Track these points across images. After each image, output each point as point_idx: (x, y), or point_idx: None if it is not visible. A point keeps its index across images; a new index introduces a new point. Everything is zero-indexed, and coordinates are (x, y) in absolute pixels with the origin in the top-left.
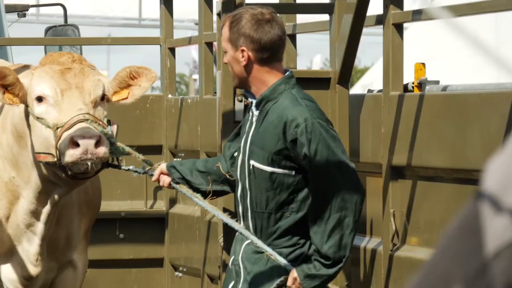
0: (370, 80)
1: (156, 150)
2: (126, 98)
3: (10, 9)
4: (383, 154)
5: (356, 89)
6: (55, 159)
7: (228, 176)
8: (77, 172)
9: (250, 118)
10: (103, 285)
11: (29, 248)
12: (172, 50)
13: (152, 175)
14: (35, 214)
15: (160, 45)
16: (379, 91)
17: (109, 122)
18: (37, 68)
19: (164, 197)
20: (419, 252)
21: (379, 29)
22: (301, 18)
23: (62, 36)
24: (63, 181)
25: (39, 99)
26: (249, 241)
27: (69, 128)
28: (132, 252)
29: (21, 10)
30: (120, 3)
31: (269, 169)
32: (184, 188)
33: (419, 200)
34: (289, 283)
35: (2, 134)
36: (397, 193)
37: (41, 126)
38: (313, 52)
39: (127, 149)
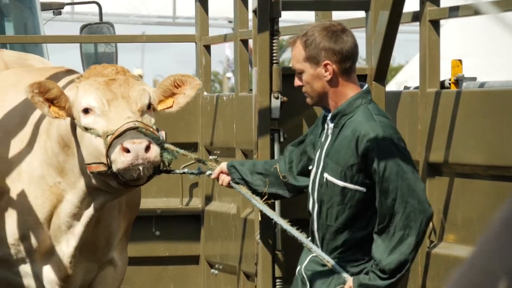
0: (404, 78)
1: (191, 147)
2: (171, 106)
3: (45, 7)
4: (420, 151)
5: (391, 86)
6: (107, 167)
7: (282, 178)
8: (129, 179)
9: (326, 131)
10: (140, 282)
11: (66, 250)
12: (207, 48)
13: (209, 175)
14: (77, 216)
15: (196, 43)
16: (416, 88)
17: (157, 130)
18: (82, 81)
19: (200, 194)
20: (456, 249)
21: (412, 26)
22: (335, 15)
23: (97, 34)
24: (114, 189)
25: (86, 111)
26: (314, 254)
27: (119, 136)
28: (168, 249)
29: (56, 8)
30: (155, 1)
31: (341, 183)
32: (243, 189)
33: (456, 197)
34: None
35: (46, 140)
36: (434, 190)
37: (90, 137)
38: None
39: (181, 151)
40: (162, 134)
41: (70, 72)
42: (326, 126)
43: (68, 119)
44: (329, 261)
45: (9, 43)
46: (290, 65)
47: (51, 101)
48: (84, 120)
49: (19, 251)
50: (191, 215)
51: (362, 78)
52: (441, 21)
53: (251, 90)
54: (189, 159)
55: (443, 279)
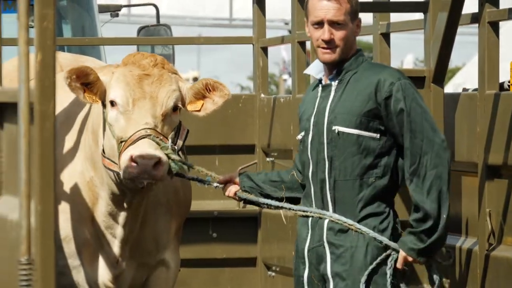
0: (462, 80)
1: (248, 149)
2: (199, 111)
3: (103, 9)
4: (479, 153)
5: (448, 88)
6: (118, 169)
7: (301, 183)
8: (134, 188)
9: (319, 95)
10: (197, 284)
11: (110, 251)
12: (264, 50)
13: (216, 186)
14: (113, 216)
15: (253, 45)
16: (474, 90)
17: (180, 125)
18: (119, 67)
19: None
20: None
21: (469, 28)
22: (393, 17)
23: (154, 36)
24: (128, 188)
25: (112, 103)
26: (327, 220)
27: (132, 144)
28: (225, 251)
29: (113, 10)
30: (211, 3)
31: (356, 131)
32: (250, 196)
33: None
34: (399, 264)
35: (85, 133)
36: (493, 192)
37: (109, 132)
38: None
39: (189, 164)
40: (184, 133)
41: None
42: (318, 90)
43: (101, 106)
44: (359, 227)
45: (67, 45)
46: None
47: (87, 86)
48: (110, 114)
49: (66, 254)
50: (248, 217)
51: (420, 80)
52: (500, 23)
53: None
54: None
55: (502, 282)
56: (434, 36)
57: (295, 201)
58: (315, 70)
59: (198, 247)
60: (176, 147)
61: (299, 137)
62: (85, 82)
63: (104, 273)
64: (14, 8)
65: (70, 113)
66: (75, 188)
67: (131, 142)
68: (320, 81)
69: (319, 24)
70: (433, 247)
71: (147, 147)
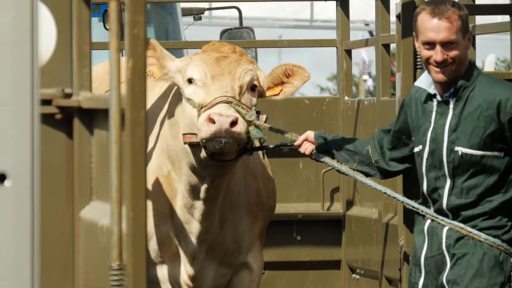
0: None
1: None
2: (278, 94)
3: (186, 12)
4: None
5: None
6: (197, 138)
7: (374, 162)
8: (212, 151)
9: (434, 110)
10: (281, 287)
11: (186, 248)
12: (348, 52)
13: (293, 142)
14: (190, 210)
15: (337, 47)
16: None
17: (258, 113)
18: (198, 53)
19: (341, 199)
20: None
21: None
22: (478, 19)
23: (237, 39)
24: (207, 168)
25: (190, 81)
26: (445, 229)
27: (211, 108)
28: (309, 254)
29: (197, 14)
30: (292, 5)
31: (480, 153)
32: (327, 159)
33: None
34: None
35: (163, 126)
36: None
37: (189, 107)
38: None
39: (270, 126)
40: (263, 117)
41: None
42: (433, 104)
43: (178, 92)
44: (476, 233)
45: None
46: None
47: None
48: (187, 90)
49: (148, 252)
50: (332, 220)
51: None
52: None
53: (393, 94)
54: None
55: None
56: None
57: (365, 175)
58: (426, 83)
59: (282, 249)
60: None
61: (417, 149)
62: (153, 56)
63: (183, 270)
64: (98, 12)
65: (150, 112)
66: (155, 184)
67: (211, 106)
68: (431, 95)
69: (430, 44)
70: None
71: (224, 107)
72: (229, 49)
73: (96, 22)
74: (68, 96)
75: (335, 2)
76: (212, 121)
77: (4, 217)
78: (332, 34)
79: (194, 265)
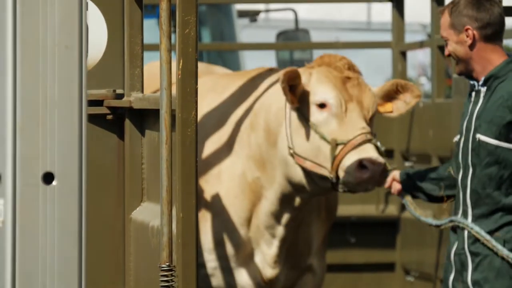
0: None
1: (387, 154)
2: (392, 112)
3: (242, 14)
4: None
5: None
6: (327, 172)
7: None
8: (349, 190)
9: (473, 98)
10: None
11: (268, 251)
12: (403, 54)
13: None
14: (276, 216)
15: (392, 49)
16: None
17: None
18: (313, 68)
19: (395, 201)
20: None
21: None
22: None
23: (293, 41)
24: (315, 188)
25: (322, 105)
26: (470, 228)
27: (355, 148)
28: (364, 256)
29: (252, 15)
30: (349, 7)
31: (495, 142)
32: (408, 200)
33: None
34: None
35: (251, 133)
36: None
37: (313, 134)
38: None
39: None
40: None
41: (273, 70)
42: (473, 94)
43: (280, 103)
44: (488, 239)
45: (206, 50)
46: None
47: (291, 89)
48: (317, 115)
49: (219, 256)
50: (387, 222)
51: None
52: None
53: (448, 96)
54: None
55: None
56: None
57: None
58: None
59: (336, 252)
60: None
61: (455, 139)
62: (292, 84)
63: (258, 274)
64: (154, 13)
65: (223, 114)
66: (234, 190)
67: (353, 146)
68: (471, 85)
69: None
70: None
71: (375, 153)
72: (344, 64)
73: (154, 23)
74: (120, 96)
75: (391, 4)
76: (363, 167)
77: (51, 217)
78: (389, 37)
79: (275, 267)
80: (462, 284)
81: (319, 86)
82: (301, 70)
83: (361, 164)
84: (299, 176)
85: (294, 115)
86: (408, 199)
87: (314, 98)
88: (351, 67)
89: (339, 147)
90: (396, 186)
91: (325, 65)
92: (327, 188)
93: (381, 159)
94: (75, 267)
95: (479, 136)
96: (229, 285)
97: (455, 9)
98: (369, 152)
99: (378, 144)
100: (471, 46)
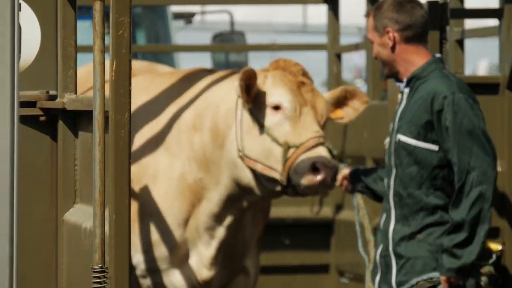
0: None
1: None
2: (342, 118)
3: (177, 16)
4: None
5: None
6: (278, 175)
7: None
8: (298, 193)
9: (400, 100)
10: None
11: (205, 252)
12: (338, 56)
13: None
14: (218, 217)
15: (327, 51)
16: None
17: None
18: (268, 71)
19: (330, 203)
20: None
21: None
22: (468, 24)
23: (228, 43)
24: (265, 191)
25: (276, 107)
26: (391, 230)
27: (308, 150)
28: (298, 258)
29: (187, 17)
30: (285, 10)
31: (414, 142)
32: (360, 202)
33: None
34: None
35: (194, 133)
36: None
37: (265, 136)
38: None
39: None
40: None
41: (211, 71)
42: (399, 96)
43: (230, 104)
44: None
45: (141, 52)
46: None
47: (246, 89)
48: (270, 117)
49: (153, 258)
50: (321, 224)
51: (495, 86)
52: None
53: (383, 99)
54: None
55: None
56: (509, 43)
57: None
58: None
59: (271, 253)
60: None
61: (386, 141)
62: (248, 83)
63: (193, 276)
64: (88, 14)
65: (159, 114)
66: (172, 191)
67: (306, 149)
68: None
69: None
70: (468, 263)
71: (328, 155)
72: (298, 70)
73: (88, 25)
74: (53, 98)
75: (326, 6)
76: (316, 169)
77: None
78: (324, 39)
79: (211, 269)
80: (387, 285)
81: (274, 88)
82: (256, 72)
83: (314, 166)
84: (248, 178)
85: (246, 116)
86: (359, 201)
87: (269, 100)
88: (305, 74)
89: (292, 150)
90: (347, 186)
91: (280, 69)
92: (276, 191)
93: (334, 162)
94: (6, 268)
95: (400, 137)
96: (162, 286)
97: (378, 12)
98: (322, 155)
99: (331, 147)
100: (393, 48)
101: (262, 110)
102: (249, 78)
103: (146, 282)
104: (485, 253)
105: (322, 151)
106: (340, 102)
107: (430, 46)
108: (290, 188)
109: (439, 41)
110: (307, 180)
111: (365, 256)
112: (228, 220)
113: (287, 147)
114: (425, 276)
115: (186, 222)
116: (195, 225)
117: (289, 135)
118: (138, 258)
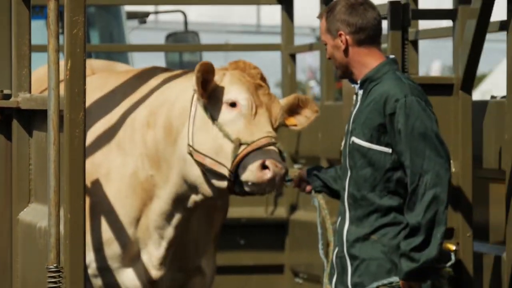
0: (489, 86)
1: None
2: (296, 125)
3: (131, 16)
4: (507, 160)
5: (475, 95)
6: (226, 170)
7: None
8: (246, 192)
9: (354, 102)
10: None
11: (154, 252)
12: (292, 57)
13: (289, 181)
14: (167, 216)
15: (281, 52)
16: (503, 97)
17: None
18: (228, 70)
19: (284, 203)
20: None
21: (493, 35)
22: (422, 24)
23: (182, 43)
24: (214, 190)
25: (233, 104)
26: (345, 231)
27: (259, 149)
28: (253, 258)
29: (141, 17)
30: (238, 10)
31: (367, 144)
32: (321, 203)
33: None
34: None
35: (147, 130)
36: None
37: (217, 131)
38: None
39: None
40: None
41: (166, 69)
42: (354, 97)
43: (185, 101)
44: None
45: (95, 52)
46: None
47: (202, 83)
48: (225, 114)
49: (104, 256)
50: (276, 224)
51: (449, 87)
52: None
53: (337, 99)
54: None
55: None
56: (463, 44)
57: None
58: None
59: (226, 254)
60: None
61: (342, 143)
62: (205, 78)
63: (143, 275)
64: (41, 14)
65: (111, 112)
66: (125, 190)
67: (256, 147)
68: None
69: None
70: (427, 265)
71: (278, 156)
72: (257, 73)
73: (42, 24)
74: (7, 97)
75: (280, 6)
76: (266, 168)
77: None
78: (278, 40)
79: (159, 269)
80: (344, 287)
81: (232, 86)
82: (215, 68)
83: (263, 165)
84: (195, 175)
85: (199, 112)
86: (320, 202)
87: (226, 96)
88: (263, 78)
89: (243, 147)
90: (306, 187)
91: (240, 69)
92: (222, 189)
93: (284, 164)
94: None
95: (353, 139)
96: (113, 285)
97: (330, 14)
98: (272, 154)
99: (282, 149)
100: (346, 51)
101: (217, 106)
102: (207, 71)
103: (98, 282)
104: (444, 255)
105: (272, 151)
106: (293, 110)
107: (392, 46)
108: (237, 185)
109: (401, 42)
110: (255, 177)
111: (324, 259)
112: (177, 219)
113: (238, 143)
114: (385, 281)
115: (137, 220)
116: (146, 224)
117: (242, 132)
118: (90, 257)
